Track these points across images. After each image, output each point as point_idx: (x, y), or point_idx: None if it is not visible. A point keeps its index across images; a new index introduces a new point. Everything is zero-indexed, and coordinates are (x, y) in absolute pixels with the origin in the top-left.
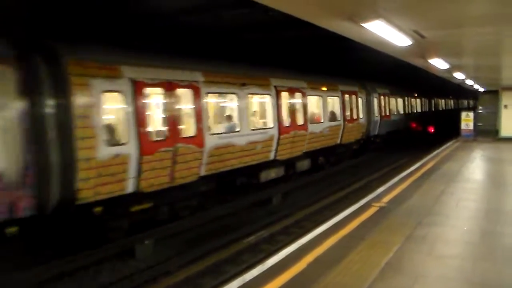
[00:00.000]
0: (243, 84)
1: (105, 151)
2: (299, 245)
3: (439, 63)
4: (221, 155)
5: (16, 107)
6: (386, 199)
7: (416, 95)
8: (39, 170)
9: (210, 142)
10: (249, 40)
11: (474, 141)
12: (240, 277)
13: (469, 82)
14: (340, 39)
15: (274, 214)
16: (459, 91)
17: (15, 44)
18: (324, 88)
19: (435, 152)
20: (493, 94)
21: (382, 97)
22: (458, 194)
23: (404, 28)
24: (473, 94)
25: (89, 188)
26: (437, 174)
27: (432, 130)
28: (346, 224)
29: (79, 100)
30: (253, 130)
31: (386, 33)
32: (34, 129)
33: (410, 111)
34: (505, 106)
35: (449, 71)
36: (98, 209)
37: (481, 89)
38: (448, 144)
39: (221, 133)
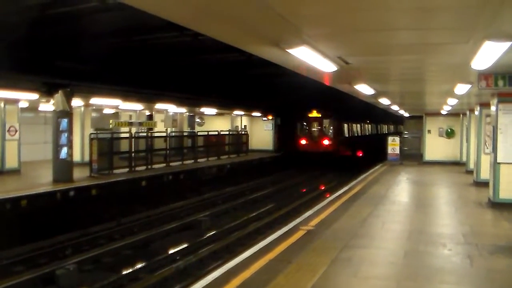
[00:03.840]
0: None
1: None
2: (227, 269)
3: (364, 89)
4: None
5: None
6: (313, 222)
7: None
8: None
9: None
10: None
11: (400, 165)
12: None
13: (394, 107)
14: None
15: (204, 238)
16: (386, 116)
17: None
18: None
19: (362, 176)
20: (418, 119)
21: None
22: (383, 217)
23: (329, 54)
24: (399, 119)
25: None
26: (364, 197)
27: (361, 154)
28: (273, 247)
29: None
30: None
31: (312, 59)
32: None
33: None
34: (429, 131)
35: (375, 96)
36: None
37: (406, 115)
38: (376, 167)
39: None
